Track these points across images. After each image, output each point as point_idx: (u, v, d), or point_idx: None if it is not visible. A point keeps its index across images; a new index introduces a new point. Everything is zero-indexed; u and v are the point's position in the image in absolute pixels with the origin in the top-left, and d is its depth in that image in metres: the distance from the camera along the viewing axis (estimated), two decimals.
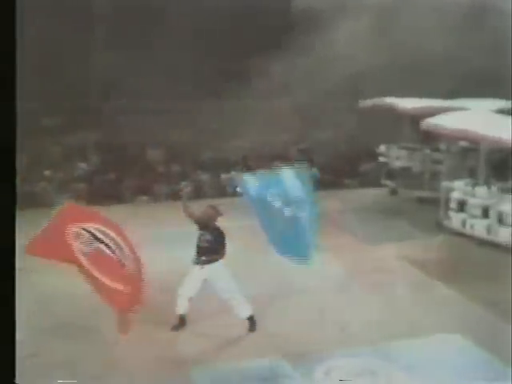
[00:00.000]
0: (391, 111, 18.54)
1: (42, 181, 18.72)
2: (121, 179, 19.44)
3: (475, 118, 16.63)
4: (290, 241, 10.02)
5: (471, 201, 15.82)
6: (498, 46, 17.10)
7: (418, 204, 18.46)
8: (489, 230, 15.34)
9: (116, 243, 9.00)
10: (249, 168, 16.94)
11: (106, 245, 8.96)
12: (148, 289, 9.22)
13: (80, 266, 8.73)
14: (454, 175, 16.79)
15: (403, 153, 19.67)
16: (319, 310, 11.27)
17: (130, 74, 17.09)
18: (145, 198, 19.38)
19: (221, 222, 10.68)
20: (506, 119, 16.02)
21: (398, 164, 19.69)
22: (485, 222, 15.46)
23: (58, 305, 11.54)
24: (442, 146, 17.98)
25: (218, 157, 20.38)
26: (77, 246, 8.75)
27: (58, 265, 9.24)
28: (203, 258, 10.46)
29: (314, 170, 20.27)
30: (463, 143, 17.32)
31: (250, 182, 10.21)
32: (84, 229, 8.89)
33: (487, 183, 15.77)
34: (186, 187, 11.21)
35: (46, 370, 9.21)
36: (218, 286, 10.43)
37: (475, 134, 15.65)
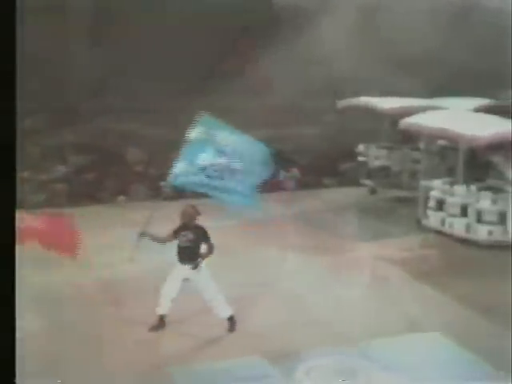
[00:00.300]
0: (370, 111, 18.62)
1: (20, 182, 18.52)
2: (100, 180, 19.35)
3: (454, 116, 16.76)
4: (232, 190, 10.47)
5: (450, 199, 15.93)
6: (480, 44, 17.24)
7: (397, 203, 18.57)
8: (467, 228, 15.46)
9: None
10: None
11: None
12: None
13: None
14: (433, 174, 16.89)
15: (382, 152, 19.76)
16: (299, 310, 11.30)
17: (109, 74, 17.03)
18: (124, 198, 19.32)
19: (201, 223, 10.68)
20: (484, 118, 16.17)
21: (377, 163, 19.78)
22: (463, 220, 15.57)
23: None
24: (421, 145, 18.07)
25: None
26: None
27: None
28: (185, 257, 10.46)
29: (294, 171, 20.40)
30: (442, 142, 17.43)
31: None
32: None
33: (466, 182, 15.88)
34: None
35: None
36: (199, 286, 10.42)
37: (454, 132, 15.75)
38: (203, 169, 10.59)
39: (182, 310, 10.59)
